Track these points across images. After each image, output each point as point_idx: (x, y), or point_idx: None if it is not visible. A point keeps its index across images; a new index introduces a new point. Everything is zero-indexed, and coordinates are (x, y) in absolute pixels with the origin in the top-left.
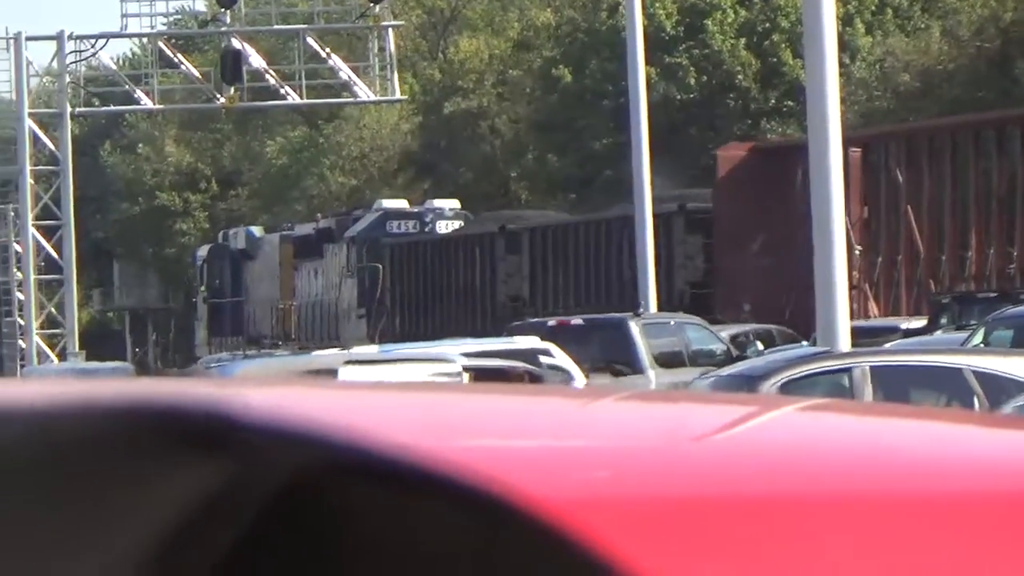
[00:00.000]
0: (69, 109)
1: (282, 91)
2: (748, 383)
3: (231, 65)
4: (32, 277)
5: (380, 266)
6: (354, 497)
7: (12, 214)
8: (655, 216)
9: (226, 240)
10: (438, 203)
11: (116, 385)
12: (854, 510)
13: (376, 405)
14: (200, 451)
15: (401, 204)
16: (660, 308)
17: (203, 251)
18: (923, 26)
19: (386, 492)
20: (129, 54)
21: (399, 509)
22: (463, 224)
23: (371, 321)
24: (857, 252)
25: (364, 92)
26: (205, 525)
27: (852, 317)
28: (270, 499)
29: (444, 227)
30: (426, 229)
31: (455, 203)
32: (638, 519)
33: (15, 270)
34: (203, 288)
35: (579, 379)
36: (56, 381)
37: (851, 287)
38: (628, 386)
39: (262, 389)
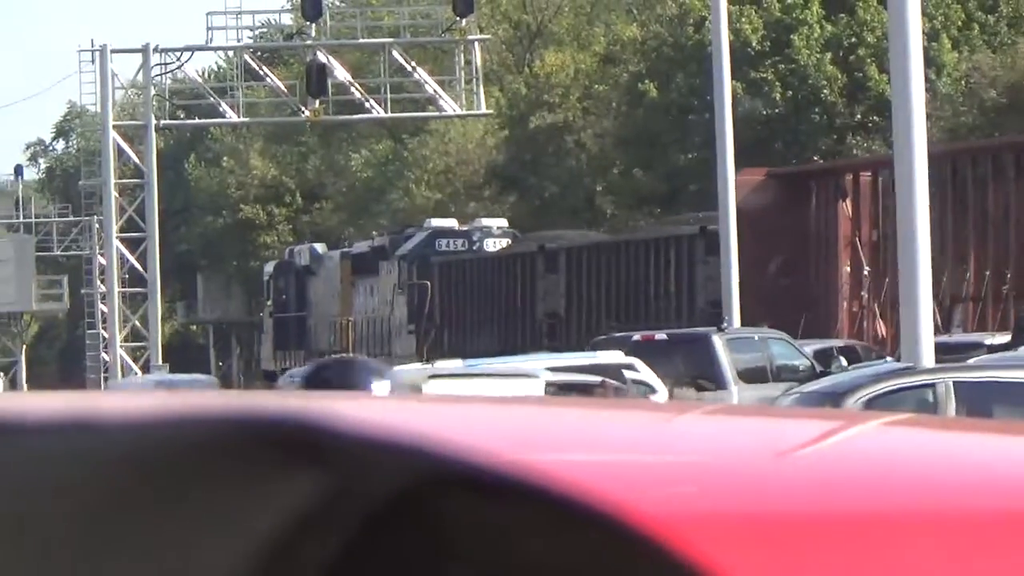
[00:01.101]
0: (154, 122)
1: (367, 104)
2: (832, 399)
3: (316, 78)
4: (116, 290)
5: (428, 283)
6: (455, 510)
7: (96, 227)
8: (676, 238)
9: (291, 257)
10: (486, 222)
11: (216, 398)
12: (943, 526)
13: (470, 418)
14: (300, 463)
15: (450, 223)
16: (682, 325)
17: (270, 267)
18: (1009, 42)
19: (488, 505)
20: (214, 67)
21: (501, 522)
22: (511, 243)
23: (420, 337)
24: (866, 273)
25: (450, 106)
26: (304, 537)
27: (861, 337)
28: (370, 511)
29: (492, 245)
30: (474, 247)
31: (503, 222)
32: (739, 536)
33: (99, 283)
34: (269, 303)
35: (662, 394)
36: (156, 394)
37: (860, 306)
38: (714, 401)
39: (355, 403)
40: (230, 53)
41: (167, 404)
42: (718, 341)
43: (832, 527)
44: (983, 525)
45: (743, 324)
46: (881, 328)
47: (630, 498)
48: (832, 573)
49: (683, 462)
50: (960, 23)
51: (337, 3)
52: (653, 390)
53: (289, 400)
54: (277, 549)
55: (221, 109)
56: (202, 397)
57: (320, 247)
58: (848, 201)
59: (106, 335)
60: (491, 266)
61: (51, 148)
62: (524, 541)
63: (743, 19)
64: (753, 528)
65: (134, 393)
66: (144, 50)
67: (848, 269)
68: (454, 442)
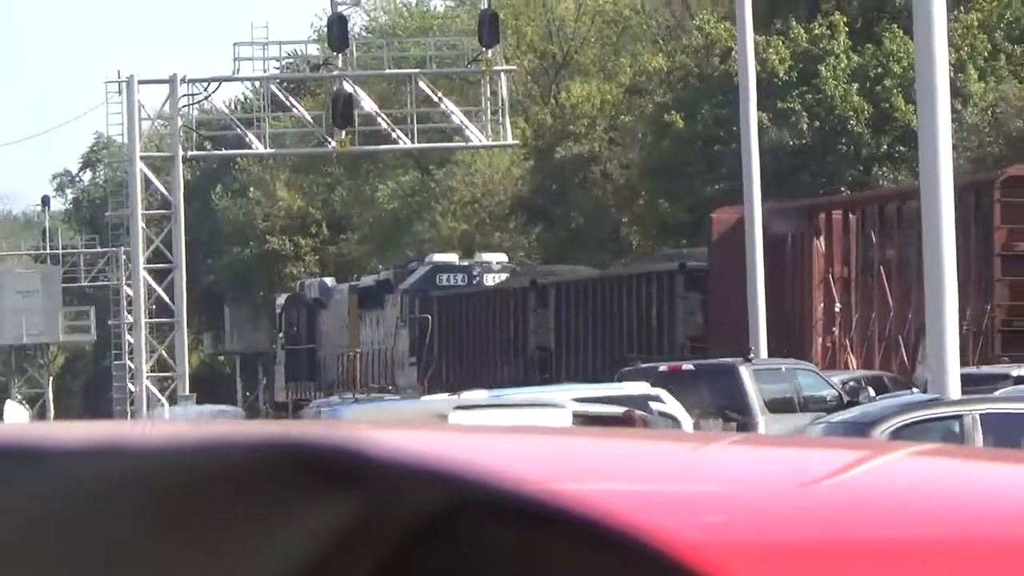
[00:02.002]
0: (181, 153)
1: (393, 135)
2: (859, 430)
3: (343, 109)
4: (143, 321)
5: (429, 317)
6: (489, 535)
7: (124, 257)
8: (657, 274)
9: (302, 290)
10: (486, 257)
11: (250, 425)
12: (967, 555)
13: (503, 446)
14: (332, 487)
15: (451, 258)
16: (663, 359)
17: (281, 299)
18: None
19: (520, 530)
20: (241, 97)
21: (533, 548)
22: (509, 277)
23: (421, 368)
24: (837, 308)
25: (476, 136)
26: (338, 562)
27: (830, 368)
28: (403, 536)
29: (491, 280)
30: (474, 282)
31: (503, 257)
32: (767, 564)
33: (126, 313)
34: (281, 335)
35: (688, 425)
36: (192, 422)
37: (831, 340)
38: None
39: (387, 430)
40: (257, 84)
41: (202, 431)
42: (745, 372)
43: (858, 556)
44: (1008, 554)
45: (718, 356)
46: (852, 362)
47: (660, 525)
48: None
49: (713, 491)
50: (987, 53)
51: (363, 33)
52: (679, 422)
53: (322, 427)
54: (308, 572)
55: (248, 140)
56: (237, 424)
57: (330, 280)
58: (822, 239)
59: (133, 366)
60: (487, 300)
61: (78, 179)
62: (555, 567)
63: (770, 49)
64: (781, 556)
65: (171, 422)
66: (171, 81)
67: (822, 304)
68: (486, 467)
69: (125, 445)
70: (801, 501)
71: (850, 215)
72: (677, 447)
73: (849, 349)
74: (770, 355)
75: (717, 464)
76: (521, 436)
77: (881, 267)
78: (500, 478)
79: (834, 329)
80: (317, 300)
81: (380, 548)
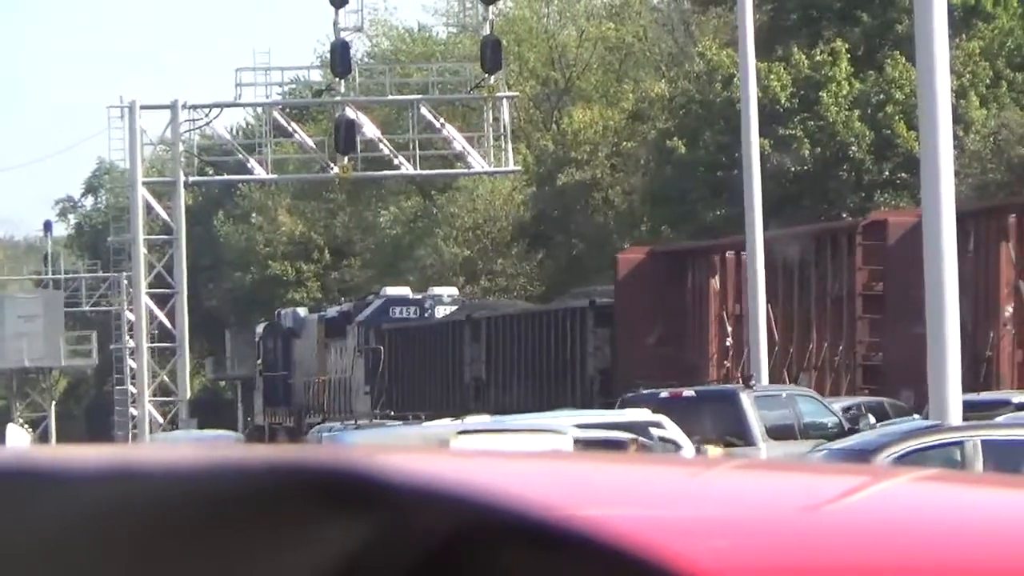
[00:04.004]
0: (183, 178)
1: (395, 161)
2: (860, 457)
3: (345, 134)
4: (145, 345)
5: (381, 348)
6: (501, 558)
7: (125, 282)
8: (571, 311)
9: (279, 319)
10: (437, 290)
11: (263, 449)
12: None
13: (511, 471)
14: (347, 510)
15: (404, 291)
16: (572, 392)
17: (260, 328)
18: None
19: (532, 553)
20: (243, 123)
21: (546, 570)
22: (455, 311)
23: (374, 397)
24: (728, 343)
25: (478, 162)
26: None
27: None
28: (417, 557)
29: (442, 312)
30: (425, 315)
31: (453, 291)
32: None
33: (128, 338)
34: (259, 362)
35: (689, 451)
36: (212, 446)
37: (724, 375)
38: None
39: (398, 455)
40: (259, 109)
41: (218, 454)
42: (746, 399)
43: None
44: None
45: (620, 391)
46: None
47: (674, 548)
48: None
49: (720, 515)
50: (988, 80)
51: (366, 59)
52: (679, 447)
53: (334, 451)
54: None
55: (249, 165)
56: (251, 448)
57: (302, 310)
58: (717, 278)
59: (135, 390)
60: (432, 333)
61: (80, 204)
62: None
63: (771, 76)
64: None
65: (192, 446)
66: (173, 106)
67: (716, 340)
68: (498, 491)
69: (141, 468)
70: (813, 524)
71: (742, 255)
72: (690, 471)
73: (740, 383)
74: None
75: (724, 488)
76: (527, 462)
77: (769, 304)
78: (511, 501)
79: (726, 363)
80: (291, 329)
81: (394, 569)
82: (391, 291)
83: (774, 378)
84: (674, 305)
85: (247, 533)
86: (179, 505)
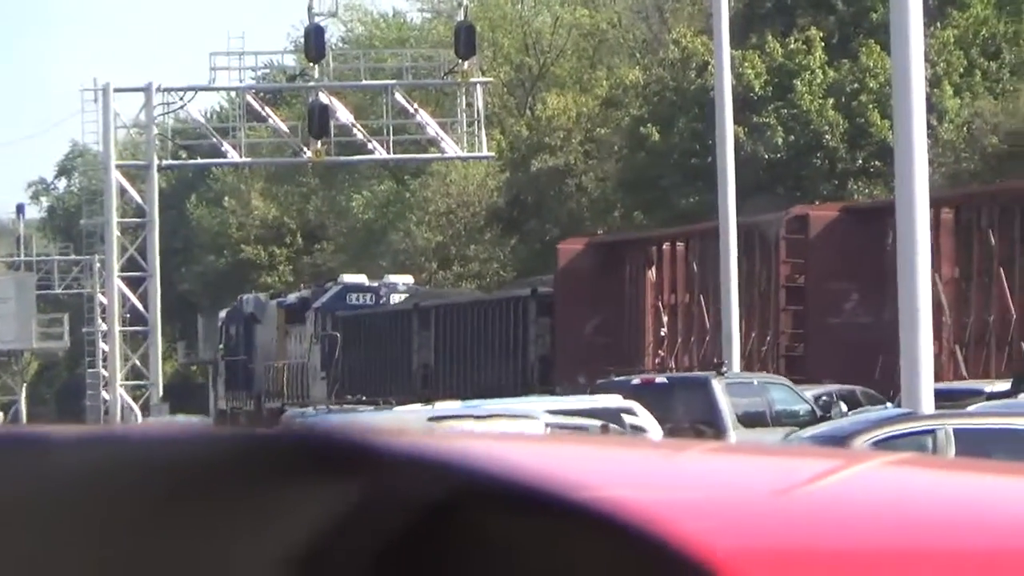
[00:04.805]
0: (156, 161)
1: (369, 146)
2: (833, 444)
3: (318, 119)
4: (117, 329)
5: (337, 334)
6: (488, 522)
7: (98, 265)
8: (515, 299)
9: (241, 305)
10: (393, 278)
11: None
12: (945, 563)
13: (493, 448)
14: (337, 473)
15: (360, 279)
16: (513, 379)
17: (223, 313)
18: (1012, 88)
19: (519, 518)
20: (217, 107)
21: (532, 535)
22: (407, 298)
23: (330, 382)
24: (663, 333)
25: (452, 148)
26: (341, 543)
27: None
28: (405, 520)
29: (396, 300)
30: (381, 302)
31: (408, 279)
32: (795, 569)
33: (100, 321)
34: (221, 346)
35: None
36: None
37: (659, 364)
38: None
39: (399, 429)
40: (232, 93)
41: (203, 426)
42: (717, 385)
43: (830, 563)
44: (980, 562)
45: (560, 379)
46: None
47: (660, 516)
48: None
49: (693, 496)
50: (962, 69)
51: (340, 44)
52: (648, 433)
53: (332, 419)
54: (312, 556)
55: (223, 149)
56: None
57: (263, 296)
58: (653, 269)
59: (106, 374)
60: (384, 320)
61: (53, 187)
62: (553, 553)
63: (746, 64)
64: (811, 563)
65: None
66: (147, 89)
67: (652, 329)
68: (484, 457)
69: (123, 436)
70: (777, 507)
71: (677, 246)
72: (684, 453)
73: (674, 372)
74: (602, 376)
75: (697, 470)
76: (510, 440)
77: (701, 295)
78: (497, 467)
79: (660, 352)
80: (252, 315)
81: (382, 532)
82: (348, 278)
83: (705, 368)
84: (612, 295)
85: (231, 498)
86: (163, 469)
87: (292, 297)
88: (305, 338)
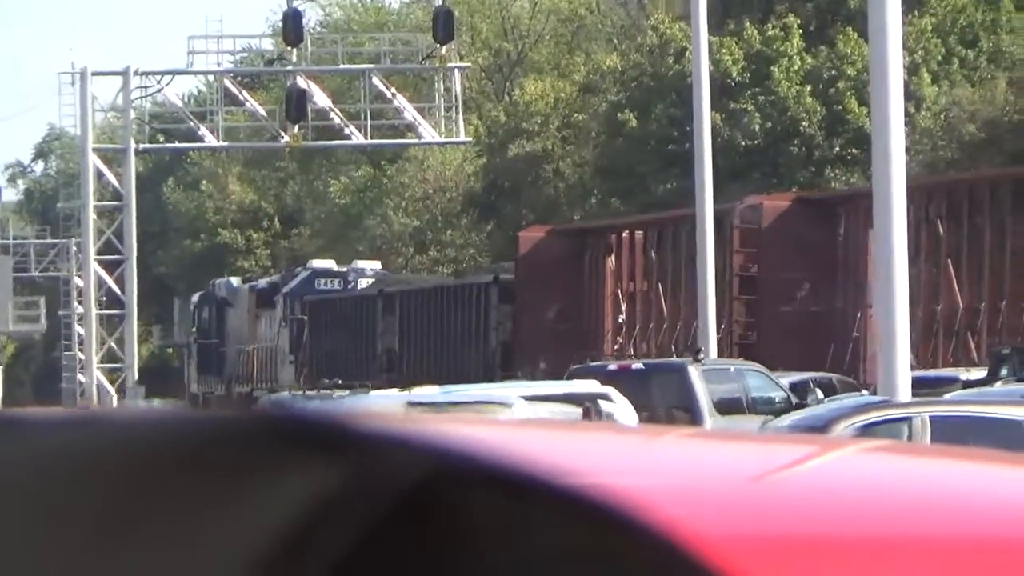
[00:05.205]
0: (133, 145)
1: (346, 131)
2: (810, 432)
3: (296, 103)
4: (93, 312)
5: (305, 319)
6: (471, 505)
7: (74, 248)
8: (476, 286)
9: (213, 288)
10: (361, 264)
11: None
12: (923, 551)
13: (485, 433)
14: (316, 455)
15: (329, 264)
16: (475, 364)
17: (195, 297)
18: (989, 77)
19: (502, 501)
20: (195, 91)
21: (515, 518)
22: (372, 284)
23: (298, 366)
24: (621, 320)
25: (429, 133)
26: (321, 527)
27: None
28: (386, 503)
29: (364, 285)
30: (349, 287)
31: (376, 264)
32: (775, 556)
33: (76, 304)
34: (194, 330)
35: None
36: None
37: (618, 350)
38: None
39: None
40: (210, 77)
41: (183, 408)
42: (694, 372)
43: (811, 551)
44: (958, 550)
45: (522, 364)
46: None
47: (642, 498)
48: None
49: (673, 483)
50: (940, 58)
51: (318, 28)
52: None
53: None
54: (292, 538)
55: (200, 133)
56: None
57: (236, 280)
58: (613, 257)
59: (83, 357)
60: (348, 306)
61: (30, 170)
62: (536, 536)
63: (723, 50)
64: (795, 550)
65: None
66: (124, 73)
67: (611, 317)
68: (470, 439)
69: (106, 416)
70: (757, 493)
71: (636, 235)
72: (668, 438)
73: (633, 357)
74: (565, 363)
75: (676, 457)
76: (487, 426)
77: (660, 284)
78: (483, 449)
79: (619, 338)
80: (224, 299)
81: (363, 515)
82: (317, 263)
83: (663, 354)
84: (573, 282)
85: (213, 477)
86: (144, 450)
87: (263, 282)
88: (275, 322)
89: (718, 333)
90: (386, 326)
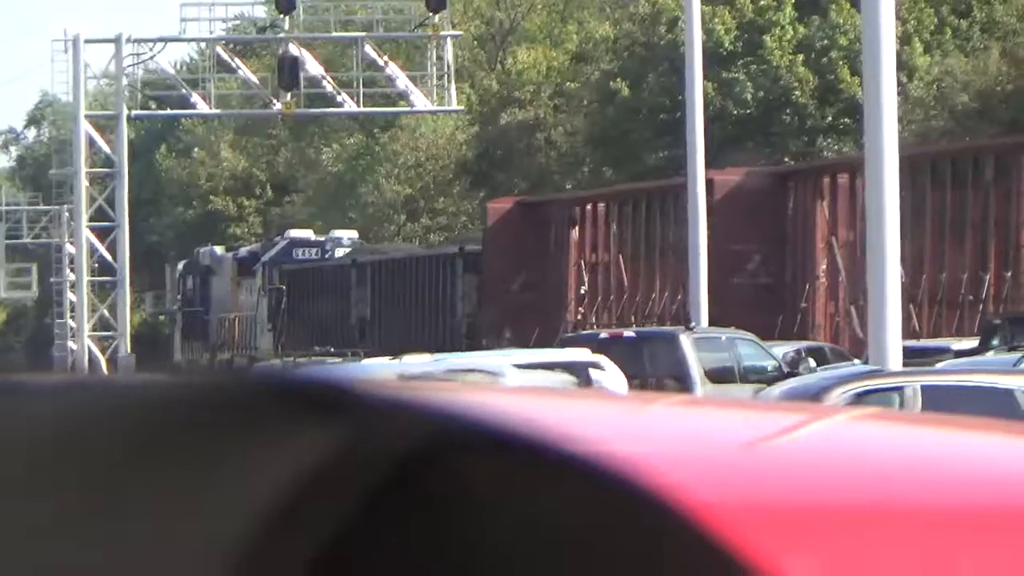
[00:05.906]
0: (126, 112)
1: (339, 98)
2: (802, 400)
3: (288, 71)
4: (85, 279)
5: (283, 288)
6: (472, 469)
7: (66, 215)
8: (443, 257)
9: (197, 257)
10: (338, 233)
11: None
12: (916, 519)
13: (490, 402)
14: (315, 417)
15: (307, 234)
16: (440, 334)
17: (180, 265)
18: (982, 47)
19: (503, 465)
20: (187, 58)
21: (516, 482)
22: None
23: (276, 335)
24: (583, 291)
25: (421, 101)
26: (319, 490)
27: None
28: (386, 467)
29: (341, 254)
30: (326, 256)
31: (353, 234)
32: (779, 524)
33: (68, 271)
34: (179, 297)
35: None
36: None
37: (582, 319)
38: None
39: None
40: (203, 45)
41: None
42: (686, 340)
43: (803, 518)
44: (950, 519)
45: (487, 333)
46: None
47: (644, 464)
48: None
49: (663, 450)
50: (933, 27)
51: None
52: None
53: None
54: (289, 504)
55: (193, 100)
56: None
57: (219, 249)
58: (576, 228)
59: (74, 324)
60: (323, 275)
61: (22, 136)
62: (537, 500)
63: (716, 19)
64: (801, 519)
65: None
66: (117, 40)
67: (574, 288)
68: (469, 403)
69: (104, 381)
70: (752, 460)
71: (599, 207)
72: (673, 406)
73: (595, 327)
74: (528, 331)
75: (672, 423)
76: (486, 392)
77: (620, 255)
78: (483, 413)
79: (581, 309)
80: (208, 267)
81: (362, 479)
82: (295, 233)
83: (623, 324)
84: (538, 253)
85: (211, 439)
86: (136, 415)
87: (244, 251)
88: (254, 291)
89: (673, 304)
90: (359, 295)
